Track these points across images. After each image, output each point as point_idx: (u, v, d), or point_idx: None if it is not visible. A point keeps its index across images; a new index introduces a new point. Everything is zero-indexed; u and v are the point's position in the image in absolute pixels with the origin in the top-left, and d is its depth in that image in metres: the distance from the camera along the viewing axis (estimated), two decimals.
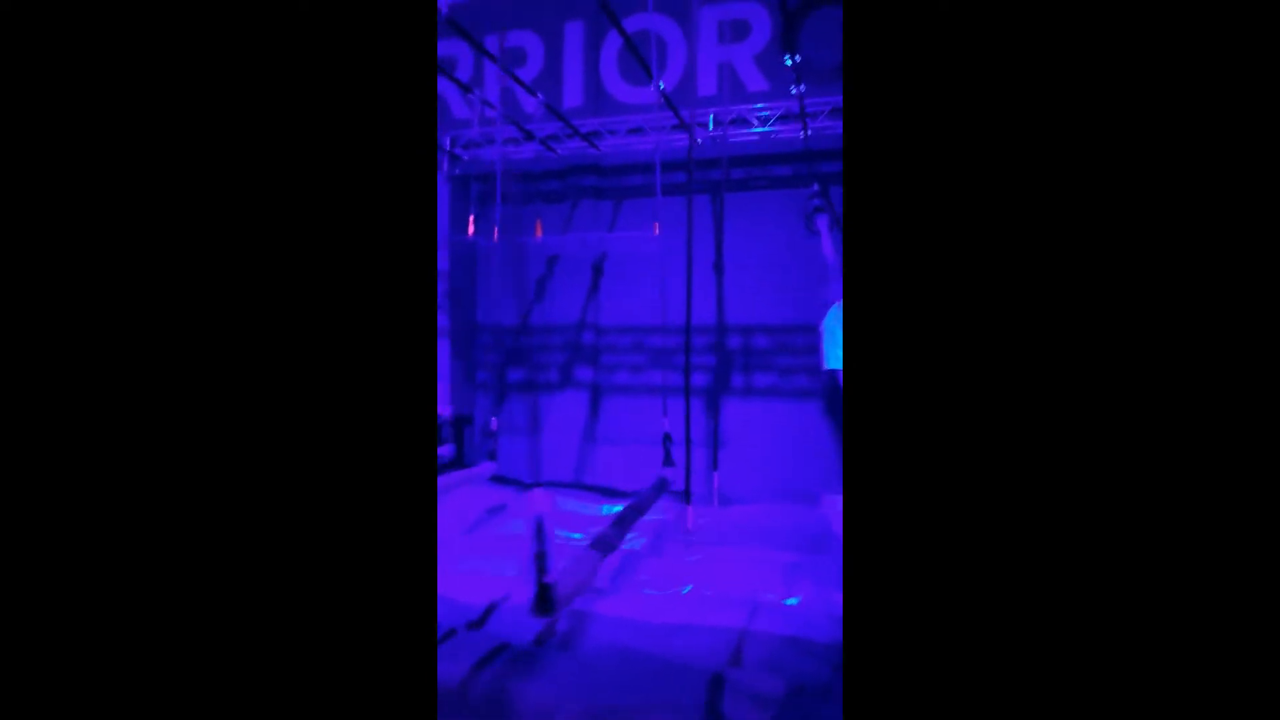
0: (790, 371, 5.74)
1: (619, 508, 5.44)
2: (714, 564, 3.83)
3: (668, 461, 5.09)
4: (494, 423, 5.63)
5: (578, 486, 5.56)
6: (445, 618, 2.89)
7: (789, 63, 4.54)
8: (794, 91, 4.68)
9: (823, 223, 4.65)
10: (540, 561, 2.02)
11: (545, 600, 2.03)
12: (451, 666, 2.48)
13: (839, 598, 3.03)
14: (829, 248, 4.63)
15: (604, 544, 3.18)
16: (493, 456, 5.60)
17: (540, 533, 2.01)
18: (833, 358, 4.39)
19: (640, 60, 3.98)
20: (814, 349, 5.70)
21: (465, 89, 4.78)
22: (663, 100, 4.57)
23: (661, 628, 3.03)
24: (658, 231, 4.35)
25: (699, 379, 6.03)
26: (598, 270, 6.19)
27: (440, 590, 3.40)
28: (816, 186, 4.69)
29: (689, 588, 3.54)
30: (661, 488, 4.62)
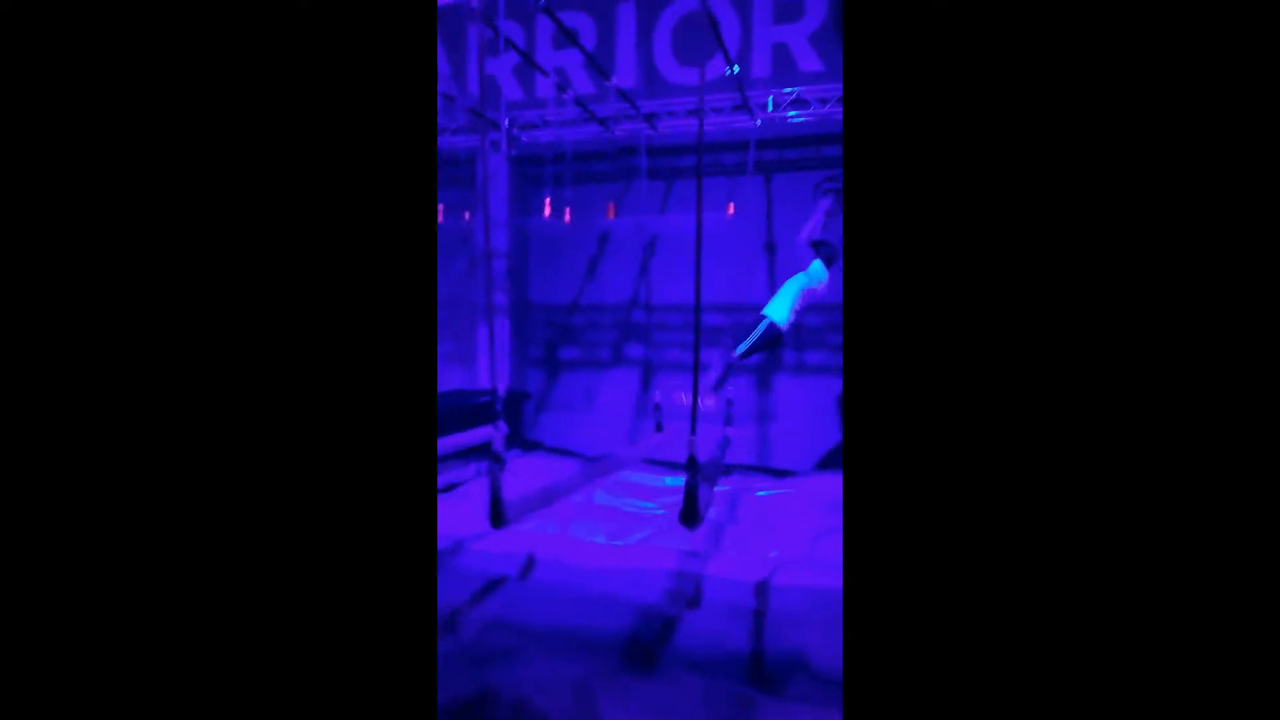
0: (839, 349, 5.92)
1: (681, 480, 5.68)
2: (750, 527, 4.10)
3: (729, 421, 5.34)
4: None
5: (640, 460, 5.75)
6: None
7: None
8: None
9: (824, 204, 4.67)
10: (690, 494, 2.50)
11: (692, 515, 2.52)
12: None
13: None
14: (813, 225, 4.61)
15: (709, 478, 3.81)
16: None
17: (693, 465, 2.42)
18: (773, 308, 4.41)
19: (721, 45, 4.08)
20: None
21: (541, 71, 4.87)
22: (720, 81, 4.67)
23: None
24: (732, 212, 4.48)
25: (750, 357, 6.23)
26: (649, 250, 6.33)
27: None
28: (834, 172, 4.73)
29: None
30: (726, 444, 4.86)
